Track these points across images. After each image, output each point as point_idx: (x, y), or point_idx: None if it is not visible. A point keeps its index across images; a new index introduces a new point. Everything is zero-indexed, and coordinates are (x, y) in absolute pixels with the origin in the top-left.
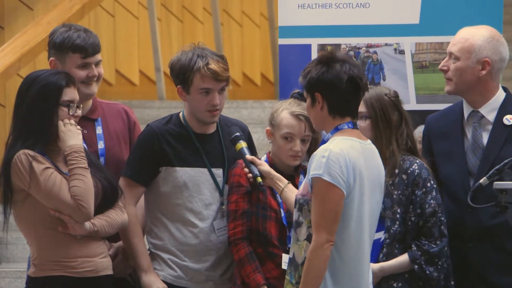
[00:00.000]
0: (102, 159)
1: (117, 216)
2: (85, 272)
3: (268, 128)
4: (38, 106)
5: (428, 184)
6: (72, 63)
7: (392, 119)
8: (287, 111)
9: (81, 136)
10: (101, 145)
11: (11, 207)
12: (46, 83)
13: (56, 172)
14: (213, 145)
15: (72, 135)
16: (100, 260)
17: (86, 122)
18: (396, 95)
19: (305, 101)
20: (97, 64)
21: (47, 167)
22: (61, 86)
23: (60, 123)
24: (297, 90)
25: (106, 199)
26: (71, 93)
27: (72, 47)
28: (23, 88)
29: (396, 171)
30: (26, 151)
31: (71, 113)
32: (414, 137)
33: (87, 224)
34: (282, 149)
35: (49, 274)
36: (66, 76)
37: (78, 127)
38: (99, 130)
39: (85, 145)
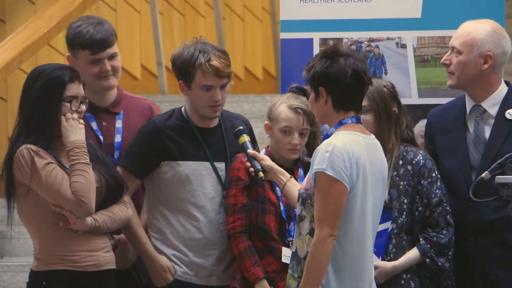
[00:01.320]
0: (117, 152)
1: (120, 211)
2: (88, 266)
3: (266, 122)
4: (41, 101)
5: (433, 174)
6: (83, 59)
7: (393, 111)
8: (285, 104)
9: (83, 131)
10: (118, 138)
11: (13, 201)
12: (49, 78)
13: (58, 167)
14: (216, 139)
15: (73, 131)
16: (102, 255)
17: (106, 115)
18: (393, 86)
19: (303, 95)
20: (111, 57)
21: (49, 162)
22: (64, 82)
23: (62, 118)
24: (295, 85)
25: (110, 195)
26: (74, 89)
27: (81, 44)
28: (28, 82)
29: (400, 162)
30: (29, 145)
31: (73, 109)
32: (410, 124)
33: (89, 220)
34: (280, 142)
35: (51, 268)
36: (70, 71)
37: (81, 121)
38: (118, 123)
39: (91, 140)
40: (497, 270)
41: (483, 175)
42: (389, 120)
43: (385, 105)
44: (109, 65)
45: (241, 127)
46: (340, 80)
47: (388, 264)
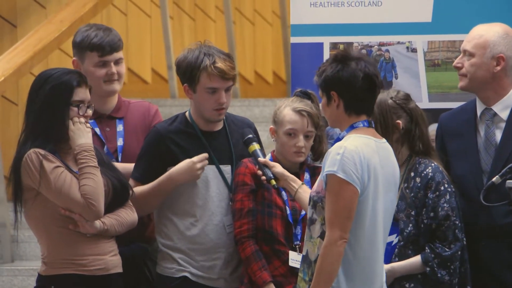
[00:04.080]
0: (120, 156)
1: (127, 215)
2: (96, 270)
3: (271, 126)
4: (49, 106)
5: (442, 188)
6: (90, 61)
7: (394, 123)
8: (289, 107)
9: (90, 135)
10: (120, 142)
11: (21, 206)
12: (57, 83)
13: (66, 171)
14: (221, 142)
15: (81, 134)
16: (110, 258)
17: (109, 120)
18: (404, 97)
19: (307, 99)
20: (116, 62)
21: (57, 166)
22: (72, 86)
23: (70, 122)
24: (299, 89)
25: (117, 198)
26: (82, 93)
27: (90, 45)
28: (35, 86)
29: (412, 174)
30: (37, 149)
31: (81, 113)
32: (427, 138)
33: (97, 223)
34: (285, 145)
35: (59, 273)
36: (78, 76)
37: (88, 125)
38: (119, 127)
39: (95, 145)
40: (509, 274)
41: (494, 179)
42: (387, 132)
43: (384, 118)
44: (115, 69)
45: (250, 136)
46: (351, 84)
47: (386, 266)
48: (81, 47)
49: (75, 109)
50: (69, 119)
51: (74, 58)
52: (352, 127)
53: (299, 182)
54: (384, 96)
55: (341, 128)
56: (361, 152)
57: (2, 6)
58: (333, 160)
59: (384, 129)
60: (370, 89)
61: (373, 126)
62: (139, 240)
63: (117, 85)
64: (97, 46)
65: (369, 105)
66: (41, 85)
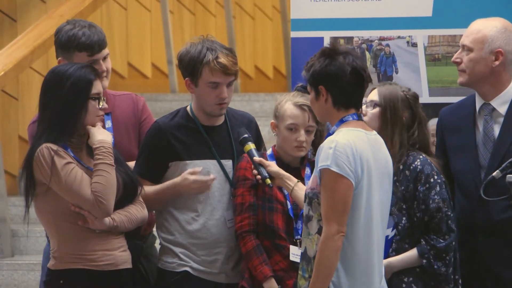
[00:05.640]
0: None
1: (137, 211)
2: (105, 266)
3: (272, 121)
4: (71, 101)
5: (431, 180)
6: (79, 61)
7: (401, 115)
8: (290, 102)
9: (111, 136)
10: None
11: (32, 200)
12: (76, 78)
13: (77, 168)
14: (222, 137)
15: (102, 132)
16: (119, 254)
17: None
18: (414, 95)
19: (308, 93)
20: (104, 58)
21: (69, 162)
22: (91, 80)
23: (90, 127)
24: (300, 84)
25: (127, 194)
26: (99, 86)
27: (78, 46)
28: (51, 83)
29: (401, 167)
30: (49, 145)
31: (100, 107)
32: (428, 138)
33: (107, 219)
34: (286, 140)
35: (69, 267)
36: (92, 69)
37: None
38: (108, 124)
39: None
40: (506, 270)
41: (494, 174)
42: (395, 120)
43: (394, 104)
44: (104, 66)
45: (246, 135)
46: (339, 78)
47: (383, 261)
48: (69, 47)
49: (94, 102)
50: (87, 112)
51: (59, 58)
52: (341, 121)
53: (295, 180)
54: (395, 88)
55: (330, 123)
56: (353, 145)
57: (2, 1)
58: (325, 154)
59: (394, 115)
60: (358, 83)
61: (362, 119)
62: (134, 238)
63: (106, 81)
64: (87, 46)
65: (358, 99)
66: (59, 82)
